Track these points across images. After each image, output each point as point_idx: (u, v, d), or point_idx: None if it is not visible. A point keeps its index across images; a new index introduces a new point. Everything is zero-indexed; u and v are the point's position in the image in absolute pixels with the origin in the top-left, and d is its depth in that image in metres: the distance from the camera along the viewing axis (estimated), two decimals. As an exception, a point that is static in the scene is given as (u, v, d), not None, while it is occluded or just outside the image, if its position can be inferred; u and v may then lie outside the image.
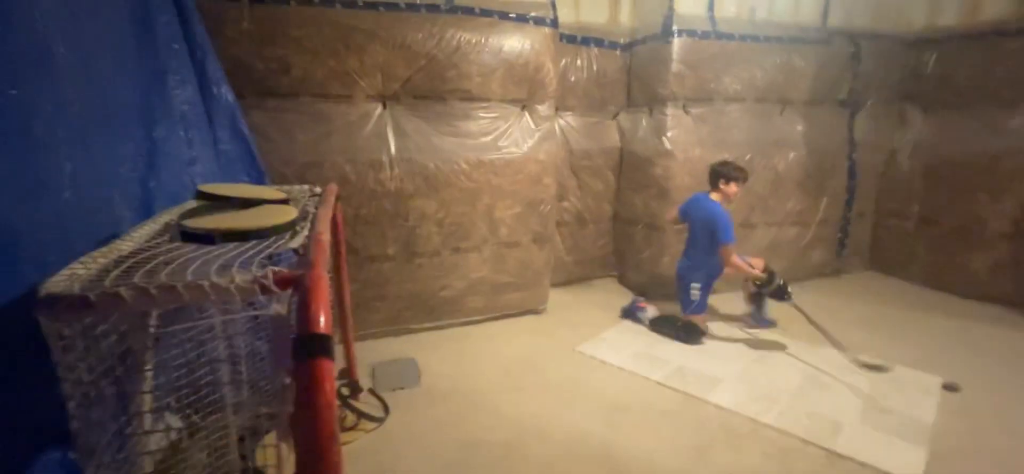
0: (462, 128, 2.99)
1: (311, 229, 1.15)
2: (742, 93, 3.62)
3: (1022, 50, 3.43)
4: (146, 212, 1.77)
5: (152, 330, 1.21)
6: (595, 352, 2.95)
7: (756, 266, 3.05)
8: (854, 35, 3.86)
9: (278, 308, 0.72)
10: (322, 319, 0.67)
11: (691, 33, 3.37)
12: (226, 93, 2.37)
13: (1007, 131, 3.52)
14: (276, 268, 0.78)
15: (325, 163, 2.69)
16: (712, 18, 3.44)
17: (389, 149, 2.83)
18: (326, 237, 1.05)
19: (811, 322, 2.96)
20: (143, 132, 1.86)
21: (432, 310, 3.15)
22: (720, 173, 3.04)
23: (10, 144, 1.22)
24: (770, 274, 2.98)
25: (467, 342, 3.07)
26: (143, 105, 1.89)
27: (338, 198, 1.86)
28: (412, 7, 2.76)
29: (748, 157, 3.67)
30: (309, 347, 0.64)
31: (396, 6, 2.73)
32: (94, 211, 1.51)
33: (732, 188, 3.03)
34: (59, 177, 1.34)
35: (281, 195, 1.61)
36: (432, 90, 2.88)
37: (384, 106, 2.85)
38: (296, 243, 1.04)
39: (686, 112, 3.52)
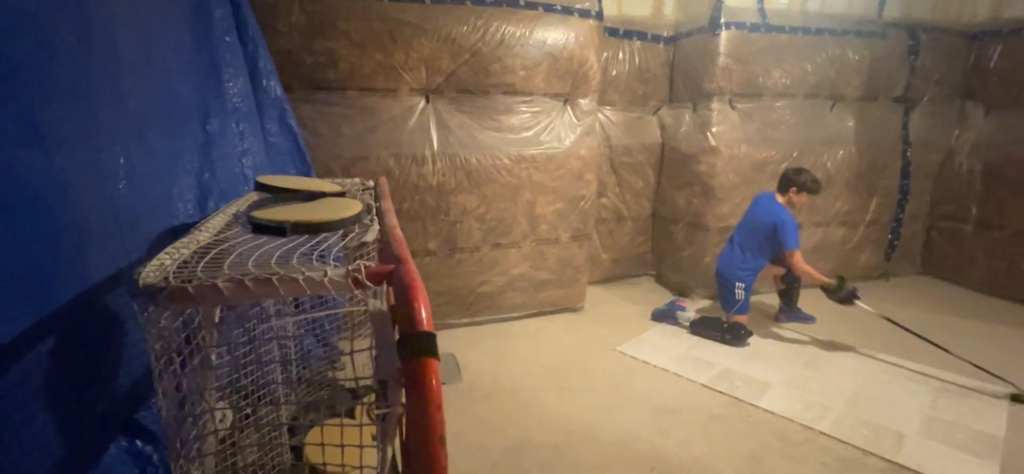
0: (504, 123, 2.95)
1: (381, 222, 1.12)
2: (792, 88, 3.49)
3: (1100, 43, 3.22)
4: (201, 204, 1.80)
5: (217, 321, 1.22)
6: (637, 353, 2.89)
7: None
8: (912, 27, 3.68)
9: (376, 304, 0.69)
10: (425, 315, 0.64)
11: (740, 26, 3.26)
12: (276, 86, 2.39)
13: (1080, 130, 3.31)
14: (368, 262, 0.76)
15: (370, 157, 2.69)
16: (762, 10, 3.32)
17: (432, 143, 2.82)
18: (400, 232, 1.03)
19: (903, 328, 2.83)
20: (198, 125, 1.88)
21: (470, 306, 3.13)
22: (793, 181, 2.94)
23: (81, 134, 1.24)
24: (839, 280, 2.87)
25: (506, 339, 3.04)
26: (198, 98, 1.91)
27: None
28: (458, 0, 2.73)
29: (796, 154, 3.55)
30: (415, 346, 0.61)
31: (442, -1, 2.71)
32: (151, 202, 1.53)
33: (802, 198, 2.94)
34: (116, 168, 1.37)
35: (338, 188, 1.60)
36: (476, 84, 2.86)
37: (427, 100, 2.84)
38: (371, 237, 1.02)
39: (732, 107, 3.41)
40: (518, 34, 2.84)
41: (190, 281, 0.69)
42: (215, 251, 0.91)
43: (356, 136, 2.68)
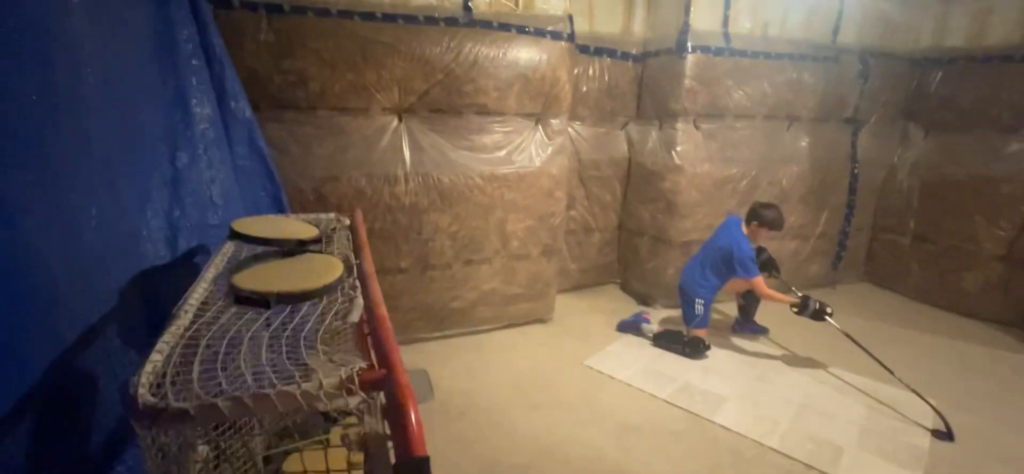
0: (477, 142, 2.99)
1: (364, 292, 1.16)
2: (752, 109, 3.65)
3: (1026, 77, 3.51)
4: (171, 243, 1.77)
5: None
6: (603, 367, 3.01)
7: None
8: (862, 53, 3.90)
9: (372, 423, 0.74)
10: (419, 436, 0.70)
11: (705, 50, 3.38)
12: (244, 108, 2.34)
13: (1006, 155, 3.62)
14: (361, 366, 0.80)
15: (342, 177, 2.68)
16: (726, 34, 3.44)
17: (405, 163, 2.82)
18: (384, 310, 1.07)
19: (859, 346, 2.94)
20: (166, 161, 1.85)
21: (442, 320, 3.18)
22: (758, 215, 3.06)
23: (48, 195, 1.22)
24: (804, 300, 2.98)
25: (478, 354, 3.11)
26: (166, 131, 1.87)
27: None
28: (431, 20, 2.73)
29: (755, 173, 3.73)
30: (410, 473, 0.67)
31: (415, 19, 2.69)
32: (120, 249, 1.51)
33: (763, 233, 3.07)
34: (86, 221, 1.35)
35: (314, 231, 1.61)
36: (449, 104, 2.87)
37: (400, 119, 2.83)
38: (355, 317, 1.06)
39: (696, 127, 3.55)
40: (491, 55, 2.86)
41: (191, 400, 0.72)
42: (204, 342, 0.93)
43: (327, 156, 2.66)
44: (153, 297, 1.57)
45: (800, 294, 3.04)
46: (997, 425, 2.59)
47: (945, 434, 2.47)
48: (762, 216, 3.05)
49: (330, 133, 2.66)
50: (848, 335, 2.98)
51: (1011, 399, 2.83)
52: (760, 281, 3.02)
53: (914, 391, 2.73)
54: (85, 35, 1.41)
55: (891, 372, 2.82)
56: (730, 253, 2.99)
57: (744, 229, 3.09)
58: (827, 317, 2.94)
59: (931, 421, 2.58)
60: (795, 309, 3.01)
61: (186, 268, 1.74)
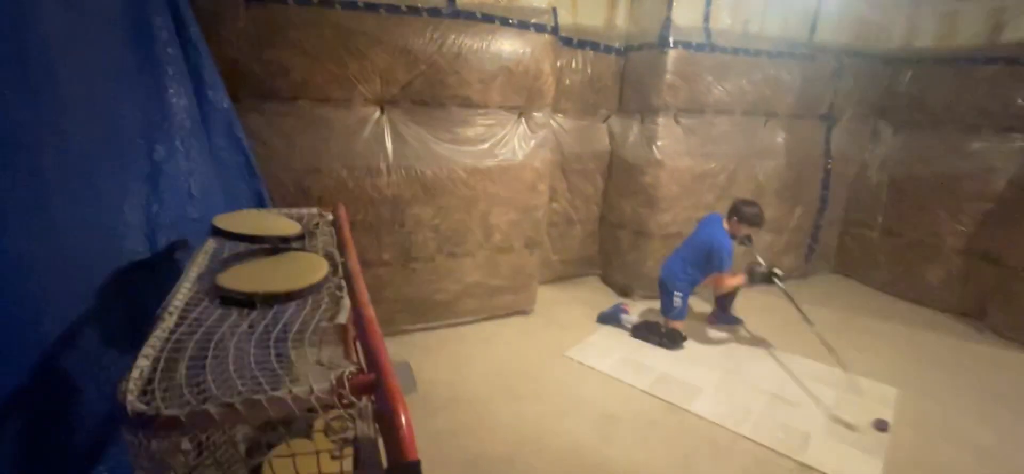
0: (460, 135, 2.98)
1: (351, 293, 1.17)
2: (731, 105, 3.72)
3: (991, 78, 3.64)
4: (150, 238, 1.74)
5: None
6: (584, 358, 3.07)
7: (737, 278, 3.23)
8: (838, 51, 3.99)
9: (363, 426, 0.76)
10: (410, 441, 0.72)
11: (686, 45, 3.42)
12: (222, 98, 2.29)
13: (969, 154, 3.77)
14: (351, 371, 0.82)
15: (324, 170, 2.65)
16: (707, 30, 3.49)
17: (387, 155, 2.80)
18: (372, 311, 1.08)
19: (790, 299, 3.10)
20: (144, 155, 1.81)
21: (425, 312, 3.19)
22: (738, 211, 3.15)
23: (25, 183, 1.19)
24: (750, 268, 3.16)
25: (461, 345, 3.13)
26: (143, 125, 1.83)
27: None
28: (413, 10, 2.70)
29: (733, 168, 3.81)
30: (402, 477, 0.69)
31: (397, 9, 2.66)
32: (99, 247, 1.49)
33: (743, 230, 3.16)
34: (66, 223, 1.32)
35: (296, 227, 1.61)
36: (432, 96, 2.85)
37: (382, 111, 2.81)
38: (342, 318, 1.07)
39: (677, 122, 3.60)
40: (475, 47, 2.85)
41: (182, 407, 0.73)
42: (191, 345, 0.93)
43: (309, 147, 2.63)
44: (133, 294, 1.54)
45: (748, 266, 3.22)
46: (953, 410, 2.73)
47: (881, 424, 2.56)
48: (743, 213, 3.14)
49: (312, 124, 2.62)
50: (789, 295, 3.10)
51: (967, 386, 2.99)
52: (726, 276, 3.13)
53: (825, 342, 2.96)
54: (59, 25, 1.37)
55: (810, 323, 3.04)
56: (711, 246, 3.08)
57: (725, 224, 3.17)
58: (776, 280, 3.10)
59: (891, 409, 2.71)
60: (746, 281, 3.18)
61: (166, 264, 1.71)
